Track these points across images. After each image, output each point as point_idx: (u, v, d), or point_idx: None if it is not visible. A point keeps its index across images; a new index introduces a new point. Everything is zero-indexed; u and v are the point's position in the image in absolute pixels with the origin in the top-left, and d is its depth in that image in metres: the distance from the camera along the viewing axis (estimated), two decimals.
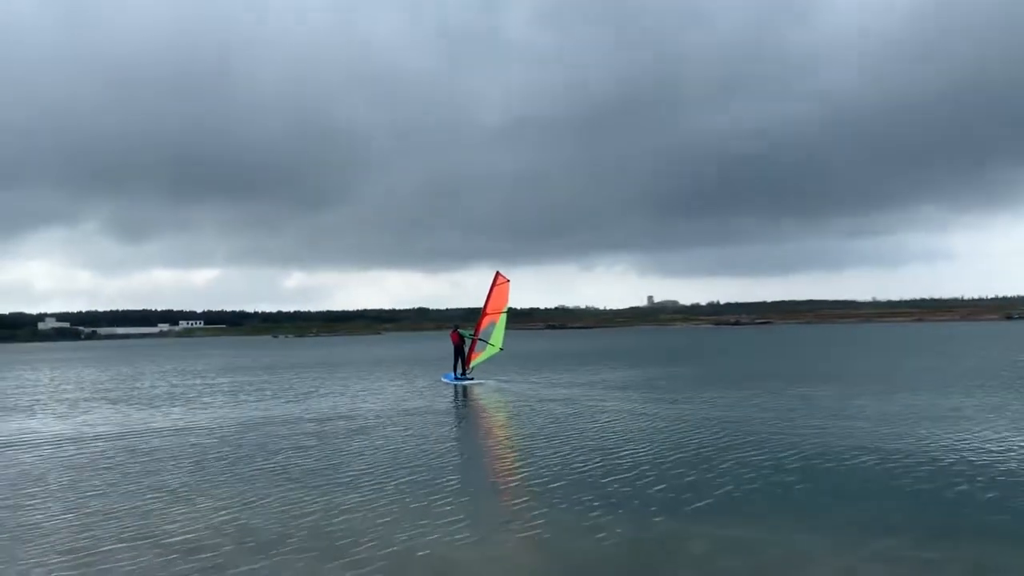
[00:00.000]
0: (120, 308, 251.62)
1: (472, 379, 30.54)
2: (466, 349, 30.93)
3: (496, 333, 30.94)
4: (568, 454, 14.22)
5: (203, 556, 8.53)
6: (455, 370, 31.29)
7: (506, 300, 31.10)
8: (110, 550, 8.89)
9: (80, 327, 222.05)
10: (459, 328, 31.92)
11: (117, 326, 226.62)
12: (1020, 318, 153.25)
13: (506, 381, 31.28)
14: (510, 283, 31.05)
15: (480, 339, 30.81)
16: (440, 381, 31.92)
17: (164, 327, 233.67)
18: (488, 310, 30.77)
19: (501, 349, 31.42)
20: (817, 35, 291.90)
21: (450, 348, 31.93)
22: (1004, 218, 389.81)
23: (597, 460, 13.52)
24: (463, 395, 27.09)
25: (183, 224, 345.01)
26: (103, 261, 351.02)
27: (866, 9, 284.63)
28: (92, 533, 9.64)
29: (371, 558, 8.25)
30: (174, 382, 36.19)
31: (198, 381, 36.86)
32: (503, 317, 31.00)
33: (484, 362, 31.75)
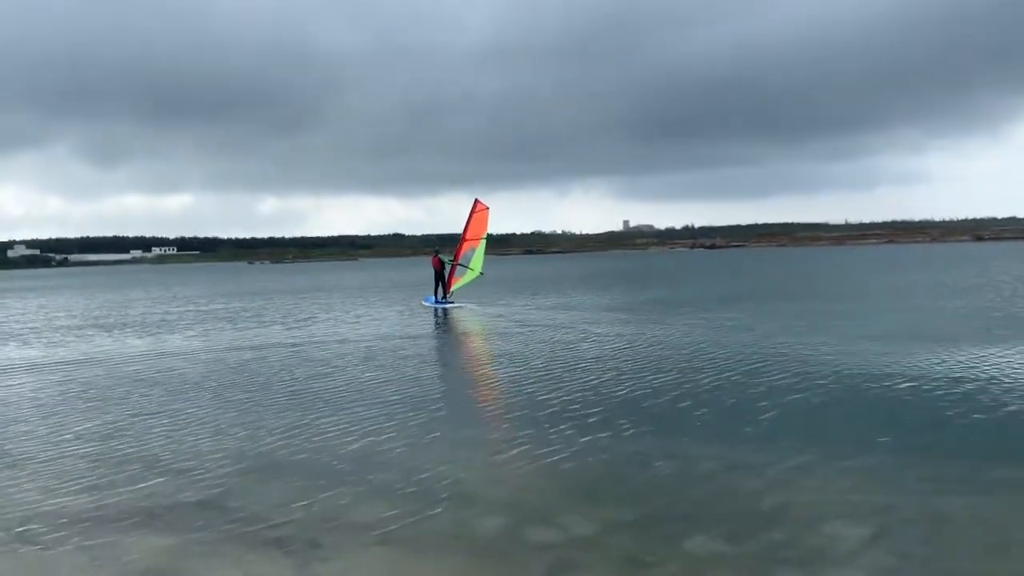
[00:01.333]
0: (91, 235, 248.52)
1: (452, 303, 31.25)
2: (446, 274, 31.61)
3: (476, 258, 31.56)
4: (558, 375, 14.44)
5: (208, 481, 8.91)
6: (436, 294, 32.03)
7: (485, 227, 31.77)
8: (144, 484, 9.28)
9: (51, 254, 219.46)
10: (439, 253, 32.46)
11: (88, 252, 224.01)
12: (990, 239, 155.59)
13: (486, 304, 32.01)
14: (489, 210, 31.69)
15: (460, 264, 31.47)
16: (422, 305, 32.66)
17: (137, 253, 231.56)
18: (467, 236, 31.49)
19: (481, 273, 32.09)
20: None
21: (430, 273, 32.68)
22: (979, 141, 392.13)
23: (588, 380, 13.73)
24: (444, 317, 27.96)
25: (155, 148, 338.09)
26: (74, 186, 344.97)
27: None
28: (109, 457, 9.91)
29: (374, 480, 8.41)
30: (169, 309, 36.05)
31: (191, 307, 37.06)
32: (482, 243, 31.71)
33: (464, 286, 32.49)
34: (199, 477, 8.71)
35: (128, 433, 10.86)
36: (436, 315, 28.88)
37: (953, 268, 52.00)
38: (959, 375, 13.00)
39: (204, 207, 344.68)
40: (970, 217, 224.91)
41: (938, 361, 14.38)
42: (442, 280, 31.68)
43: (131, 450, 9.95)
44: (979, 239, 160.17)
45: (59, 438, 10.71)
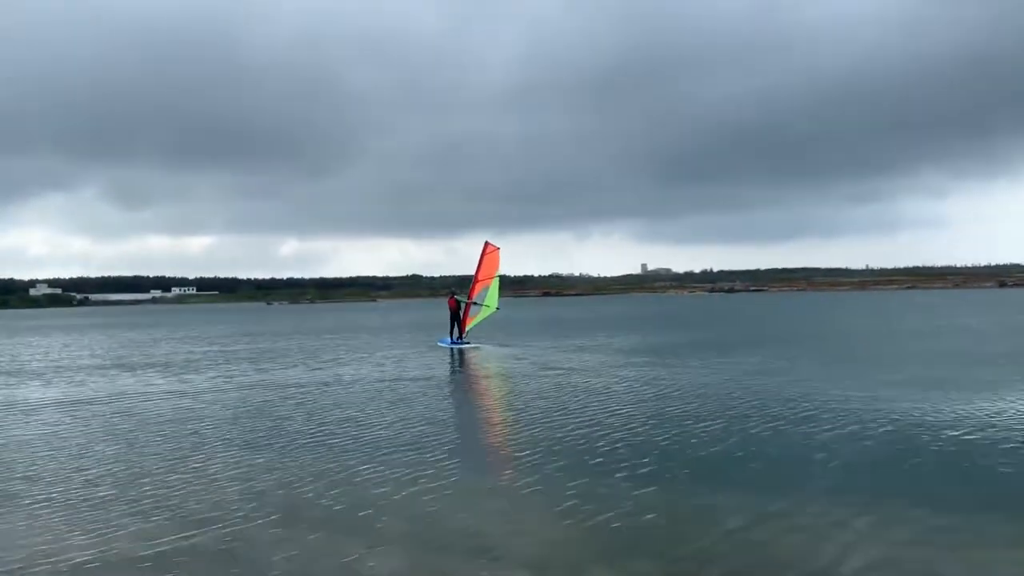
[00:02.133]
0: (112, 274, 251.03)
1: (468, 343, 31.52)
2: (462, 314, 31.99)
3: (490, 295, 32.14)
4: (578, 420, 14.08)
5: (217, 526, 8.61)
6: (451, 335, 32.26)
7: (497, 266, 32.40)
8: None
9: (72, 293, 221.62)
10: (455, 294, 32.88)
11: (109, 292, 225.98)
12: (1014, 286, 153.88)
13: (504, 346, 32.04)
14: (500, 250, 32.35)
15: (474, 303, 31.97)
16: (437, 346, 32.74)
17: (157, 293, 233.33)
18: (480, 276, 32.05)
19: (497, 308, 32.50)
20: (824, 4, 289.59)
21: (446, 314, 33.05)
22: (1001, 186, 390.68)
23: (610, 424, 13.40)
24: (460, 358, 27.77)
25: (180, 191, 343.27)
26: (98, 227, 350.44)
27: None
28: (125, 502, 9.67)
29: (391, 531, 8.02)
30: (193, 349, 35.89)
31: (214, 347, 36.97)
32: (495, 281, 32.31)
33: (480, 326, 33.02)
34: (213, 525, 8.34)
35: (148, 477, 10.54)
36: (452, 356, 28.73)
37: (981, 313, 51.20)
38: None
39: (225, 248, 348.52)
40: (992, 263, 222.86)
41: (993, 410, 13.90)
42: (458, 320, 32.08)
43: (149, 494, 9.62)
44: (1002, 285, 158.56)
45: (74, 481, 10.42)
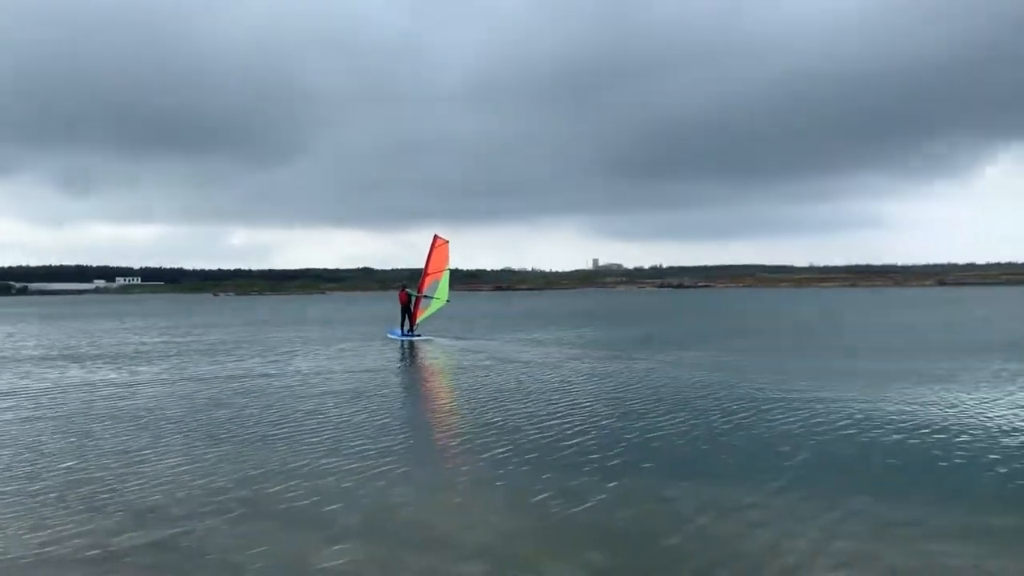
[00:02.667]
0: (53, 263, 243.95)
1: (419, 335, 31.98)
2: (412, 307, 32.41)
3: (441, 288, 32.65)
4: (529, 411, 14.19)
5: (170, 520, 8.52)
6: (402, 327, 32.64)
7: (446, 259, 32.79)
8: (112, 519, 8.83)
9: (11, 282, 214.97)
10: (406, 288, 33.25)
11: (50, 281, 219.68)
12: (953, 284, 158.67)
13: (457, 339, 32.27)
14: (448, 243, 32.68)
15: (425, 296, 32.35)
16: (388, 337, 33.10)
17: (100, 283, 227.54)
18: (429, 270, 32.36)
19: (448, 301, 32.93)
20: (774, 12, 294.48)
21: (397, 307, 33.51)
22: (943, 187, 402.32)
23: (565, 419, 13.43)
24: (410, 350, 28.07)
25: (128, 178, 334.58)
26: (39, 214, 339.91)
27: None
28: (73, 496, 9.45)
29: (343, 523, 7.99)
30: (143, 340, 35.04)
31: (165, 338, 36.21)
32: (445, 274, 32.73)
33: (434, 319, 33.69)
34: (168, 519, 8.21)
35: (96, 470, 10.31)
36: (403, 348, 28.96)
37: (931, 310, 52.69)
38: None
39: (173, 238, 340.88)
40: (931, 262, 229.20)
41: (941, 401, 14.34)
42: (409, 313, 32.50)
43: (102, 489, 9.38)
44: (942, 283, 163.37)
45: (19, 474, 10.16)
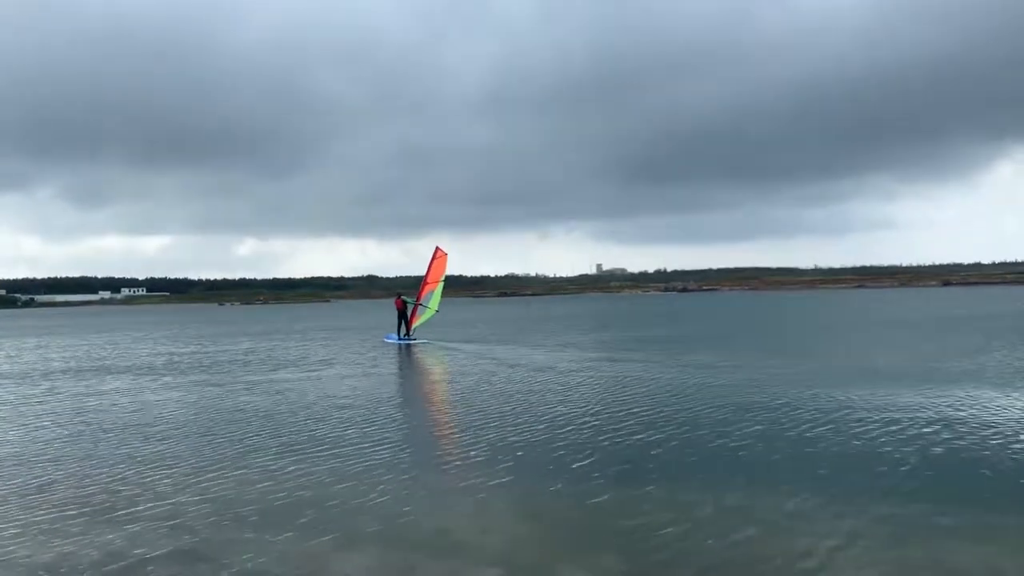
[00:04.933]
0: (61, 275, 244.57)
1: (415, 339, 33.96)
2: (408, 313, 34.53)
3: (434, 298, 34.65)
4: (538, 416, 14.09)
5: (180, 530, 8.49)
6: (398, 332, 34.49)
7: (443, 270, 34.97)
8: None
9: (17, 294, 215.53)
10: (402, 296, 35.70)
11: (56, 293, 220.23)
12: (958, 284, 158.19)
13: (458, 342, 33.48)
14: (447, 256, 34.88)
15: (421, 304, 34.40)
16: (384, 342, 34.83)
17: (106, 295, 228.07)
18: (428, 280, 34.52)
19: (437, 311, 35.06)
20: (782, 16, 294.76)
21: (395, 315, 35.69)
22: (949, 189, 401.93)
23: (571, 423, 13.35)
24: (408, 353, 29.20)
25: (143, 190, 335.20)
26: (53, 227, 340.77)
27: None
28: (82, 503, 9.46)
29: (359, 530, 7.98)
30: (172, 350, 34.92)
31: (167, 347, 36.23)
32: (440, 285, 34.86)
33: (433, 324, 36.30)
34: (181, 528, 8.19)
35: (113, 480, 10.28)
36: (400, 351, 30.09)
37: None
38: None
39: (181, 249, 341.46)
40: (937, 263, 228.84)
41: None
42: (405, 319, 34.48)
43: (113, 497, 9.38)
44: (947, 284, 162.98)
45: (35, 484, 10.14)
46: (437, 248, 34.80)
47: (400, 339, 33.86)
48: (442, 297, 35.15)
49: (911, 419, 12.83)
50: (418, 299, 34.27)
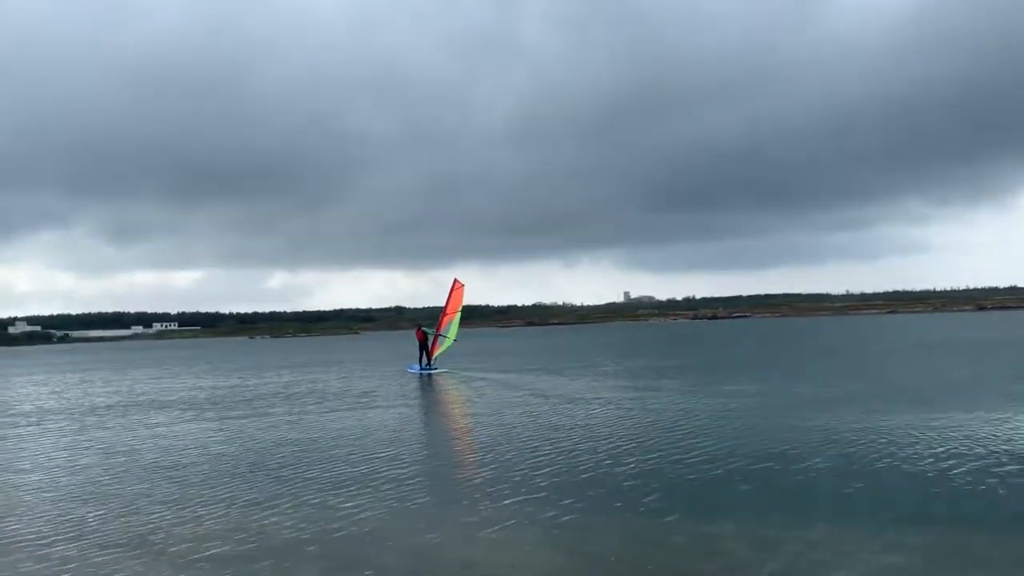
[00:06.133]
0: (94, 310, 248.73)
1: (436, 368, 34.64)
2: (429, 344, 35.11)
3: (452, 328, 35.54)
4: (561, 446, 13.92)
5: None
6: (420, 362, 35.05)
7: (461, 301, 35.86)
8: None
9: (52, 331, 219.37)
10: (422, 327, 36.36)
11: (90, 329, 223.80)
12: (992, 309, 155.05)
13: (476, 373, 33.95)
14: (464, 287, 35.73)
15: (440, 335, 35.29)
16: (407, 372, 35.49)
17: (137, 329, 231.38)
18: (448, 311, 35.49)
19: (456, 340, 36.01)
20: (809, 40, 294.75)
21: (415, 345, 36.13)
22: (983, 211, 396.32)
23: (593, 452, 13.17)
24: (430, 383, 29.68)
25: (175, 226, 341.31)
26: (87, 263, 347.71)
27: (858, 15, 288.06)
28: (108, 537, 9.50)
29: (385, 563, 7.90)
30: (217, 384, 34.96)
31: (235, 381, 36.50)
32: (458, 315, 35.77)
33: (455, 353, 37.31)
34: (208, 560, 8.17)
35: (143, 514, 10.28)
36: (422, 381, 30.72)
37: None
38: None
39: (211, 282, 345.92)
40: (971, 286, 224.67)
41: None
42: (425, 349, 35.04)
43: (142, 530, 9.42)
44: (981, 308, 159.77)
45: (73, 518, 10.19)
46: (455, 280, 35.64)
47: (422, 369, 34.54)
48: (468, 327, 36.30)
49: (950, 446, 12.49)
50: (438, 330, 35.19)
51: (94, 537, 9.22)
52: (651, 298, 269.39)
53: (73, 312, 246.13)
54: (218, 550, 8.47)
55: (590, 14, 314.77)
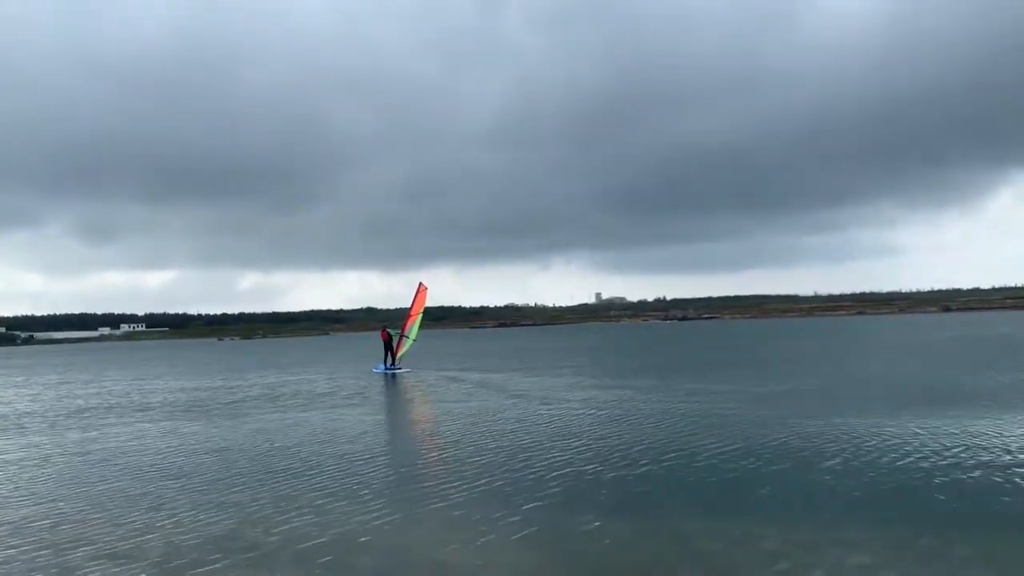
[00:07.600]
0: (62, 311, 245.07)
1: (400, 368, 35.34)
2: (394, 344, 35.92)
3: (413, 330, 36.74)
4: (533, 445, 13.93)
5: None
6: (385, 362, 36.00)
7: (423, 303, 37.10)
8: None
9: (16, 332, 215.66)
10: (387, 328, 37.05)
11: (56, 330, 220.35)
12: (957, 310, 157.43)
13: (450, 371, 34.63)
14: (428, 290, 37.05)
15: (404, 336, 36.25)
16: (372, 372, 35.86)
17: (105, 331, 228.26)
18: (412, 312, 36.65)
19: (415, 340, 37.17)
20: (784, 47, 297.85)
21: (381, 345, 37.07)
22: (950, 215, 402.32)
23: (565, 451, 13.19)
24: (394, 382, 30.12)
25: (149, 226, 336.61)
26: (59, 264, 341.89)
27: (835, 20, 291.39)
28: (77, 542, 9.46)
29: (359, 565, 7.87)
30: (208, 385, 34.18)
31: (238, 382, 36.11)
32: (419, 317, 37.07)
33: (423, 353, 39.32)
34: (181, 563, 8.08)
35: (113, 518, 10.11)
36: (387, 380, 31.02)
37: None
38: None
39: (183, 284, 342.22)
40: (936, 288, 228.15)
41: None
42: (390, 349, 35.87)
43: (111, 534, 9.28)
44: (947, 310, 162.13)
45: (43, 524, 10.00)
46: (420, 283, 36.95)
47: (387, 369, 35.33)
48: (439, 328, 37.38)
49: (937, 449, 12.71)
50: (402, 331, 36.05)
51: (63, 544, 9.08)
52: (623, 299, 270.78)
53: (39, 313, 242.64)
54: (187, 556, 8.32)
55: (573, 16, 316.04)
